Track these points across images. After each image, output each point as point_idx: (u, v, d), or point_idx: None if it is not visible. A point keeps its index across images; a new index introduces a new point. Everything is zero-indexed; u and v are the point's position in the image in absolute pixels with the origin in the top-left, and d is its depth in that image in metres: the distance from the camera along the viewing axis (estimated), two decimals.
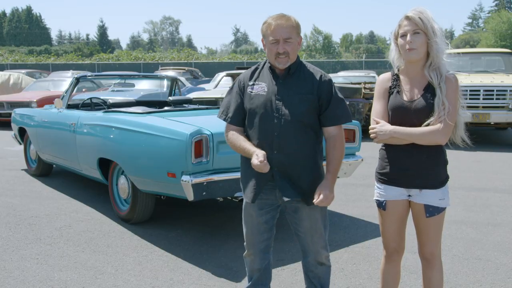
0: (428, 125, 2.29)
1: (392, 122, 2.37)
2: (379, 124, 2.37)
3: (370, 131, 2.41)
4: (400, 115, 2.35)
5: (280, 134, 2.43)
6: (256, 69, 2.58)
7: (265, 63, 2.57)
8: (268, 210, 2.60)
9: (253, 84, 2.51)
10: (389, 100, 2.40)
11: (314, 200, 2.40)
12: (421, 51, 2.31)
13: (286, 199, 2.50)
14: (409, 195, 2.43)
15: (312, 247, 2.63)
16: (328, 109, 2.46)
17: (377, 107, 2.42)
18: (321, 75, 2.50)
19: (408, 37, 2.31)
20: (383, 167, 2.45)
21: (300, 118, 2.43)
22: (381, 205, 2.49)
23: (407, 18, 2.32)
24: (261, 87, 2.48)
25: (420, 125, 2.29)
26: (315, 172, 2.53)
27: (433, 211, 2.39)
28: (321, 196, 2.38)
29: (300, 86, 2.46)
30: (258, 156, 2.33)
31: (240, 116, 2.54)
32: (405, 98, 2.36)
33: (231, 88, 2.61)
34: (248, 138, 2.52)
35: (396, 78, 2.43)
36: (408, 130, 2.30)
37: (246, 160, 2.52)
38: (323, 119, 2.48)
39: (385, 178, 2.45)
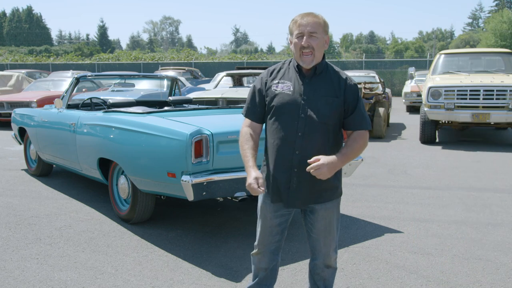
0: None
1: None
2: None
3: None
4: None
5: (304, 134, 2.40)
6: (280, 67, 2.54)
7: (290, 61, 2.53)
8: (283, 213, 2.59)
9: (278, 82, 2.47)
10: None
11: (310, 166, 2.31)
12: None
13: (291, 208, 2.53)
14: None
15: (324, 249, 2.61)
16: (353, 115, 2.44)
17: None
18: (346, 78, 2.47)
19: None
20: None
21: (325, 120, 2.40)
22: None
23: None
24: (287, 86, 2.44)
25: None
26: (334, 174, 2.44)
27: None
28: (316, 163, 2.29)
29: (327, 88, 2.42)
30: (260, 184, 2.34)
31: (257, 112, 2.52)
32: None
33: (254, 84, 2.58)
34: (268, 135, 2.50)
35: None
36: None
37: (268, 161, 2.52)
38: (347, 123, 2.46)
39: None
